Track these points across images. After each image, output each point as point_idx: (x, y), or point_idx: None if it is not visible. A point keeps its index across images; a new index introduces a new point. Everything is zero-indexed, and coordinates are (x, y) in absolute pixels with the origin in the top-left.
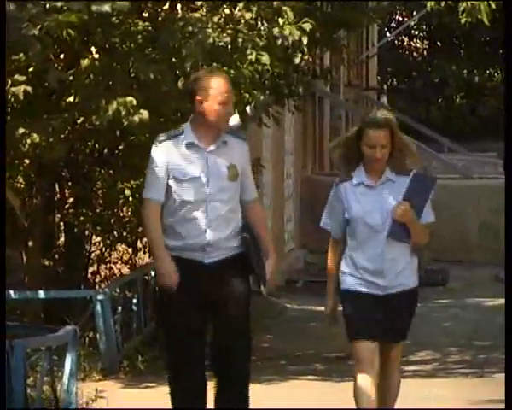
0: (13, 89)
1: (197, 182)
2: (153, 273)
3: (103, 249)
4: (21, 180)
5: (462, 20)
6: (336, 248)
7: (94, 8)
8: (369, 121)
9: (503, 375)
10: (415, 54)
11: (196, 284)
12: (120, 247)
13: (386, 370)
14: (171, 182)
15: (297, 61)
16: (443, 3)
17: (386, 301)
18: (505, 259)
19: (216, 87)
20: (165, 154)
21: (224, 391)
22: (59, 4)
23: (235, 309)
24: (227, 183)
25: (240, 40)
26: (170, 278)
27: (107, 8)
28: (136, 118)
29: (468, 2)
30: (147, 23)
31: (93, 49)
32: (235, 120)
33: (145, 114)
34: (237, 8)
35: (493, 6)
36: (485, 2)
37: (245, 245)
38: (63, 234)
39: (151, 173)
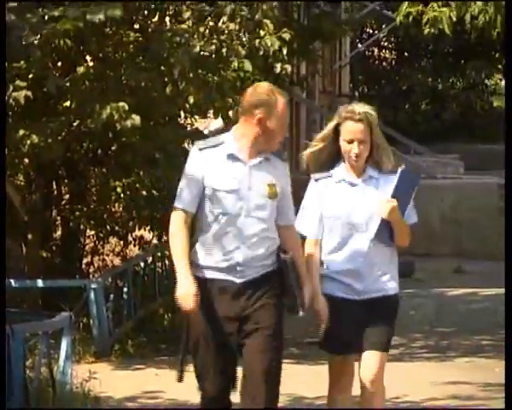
0: (14, 94)
1: (235, 195)
2: (142, 264)
3: (96, 242)
4: (21, 178)
5: (426, 31)
6: (316, 248)
7: (89, 16)
8: (346, 115)
9: (463, 359)
10: (384, 63)
11: (226, 306)
12: (112, 240)
13: (367, 382)
14: (207, 192)
15: (277, 70)
16: (410, 17)
17: (364, 306)
18: (505, 259)
19: (282, 109)
20: (202, 163)
21: None
22: (56, 14)
23: (268, 334)
24: (266, 200)
25: (224, 50)
26: (187, 301)
27: (101, 16)
28: (129, 123)
29: (432, 14)
30: (137, 34)
31: (88, 58)
32: (217, 123)
33: (137, 119)
34: (221, 20)
35: (454, 18)
36: (447, 14)
37: (283, 266)
38: (60, 228)
39: (185, 182)
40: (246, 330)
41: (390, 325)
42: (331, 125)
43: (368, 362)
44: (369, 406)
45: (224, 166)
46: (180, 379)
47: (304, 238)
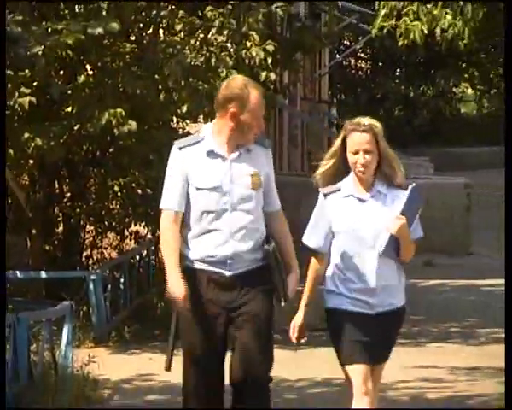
0: (19, 100)
1: (219, 191)
2: (137, 257)
3: (95, 237)
4: (26, 177)
5: (399, 43)
6: (322, 262)
7: (89, 30)
8: (351, 127)
9: (432, 344)
10: (360, 73)
11: (217, 298)
12: (110, 235)
13: (372, 387)
14: (191, 191)
15: (262, 78)
16: (384, 30)
17: (376, 320)
18: (505, 259)
19: (255, 102)
20: (184, 162)
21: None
22: (59, 27)
23: (257, 326)
24: (250, 192)
25: (213, 60)
26: (178, 303)
27: (100, 29)
28: (125, 127)
29: (404, 27)
30: (133, 45)
31: (88, 67)
32: (206, 128)
33: (133, 124)
34: (210, 32)
35: (425, 31)
36: (419, 27)
37: (266, 258)
38: (61, 223)
39: (169, 182)
40: (235, 319)
41: (396, 336)
42: (338, 140)
43: (372, 373)
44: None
45: (204, 164)
46: (168, 368)
47: (311, 252)
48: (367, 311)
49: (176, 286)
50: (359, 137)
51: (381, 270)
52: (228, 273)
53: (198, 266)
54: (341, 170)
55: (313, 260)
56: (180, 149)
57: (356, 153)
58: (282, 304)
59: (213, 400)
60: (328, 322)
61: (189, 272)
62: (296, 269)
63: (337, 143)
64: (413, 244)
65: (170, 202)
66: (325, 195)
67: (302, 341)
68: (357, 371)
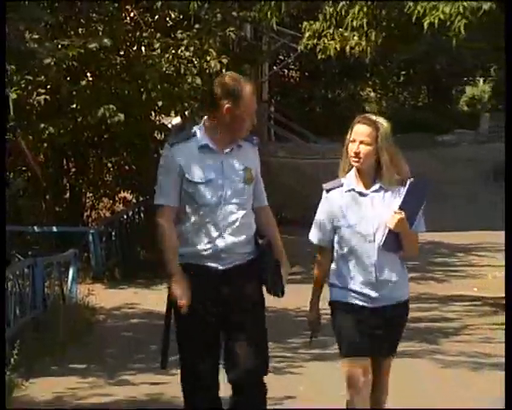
0: (37, 98)
1: (212, 185)
2: (125, 217)
3: (94, 201)
4: (42, 156)
5: (319, 57)
6: (326, 257)
7: (88, 45)
8: (358, 119)
9: None
10: (291, 80)
11: (210, 291)
12: (104, 200)
13: (376, 384)
14: (184, 186)
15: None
16: (309, 47)
17: (379, 313)
18: (505, 260)
19: (248, 97)
20: (177, 157)
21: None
22: (66, 43)
23: (251, 321)
24: (242, 185)
25: (182, 69)
26: (180, 300)
27: (96, 45)
28: (116, 119)
29: (323, 45)
30: (122, 58)
31: (88, 74)
32: (177, 120)
33: (122, 116)
34: (180, 49)
35: (338, 48)
36: (333, 46)
37: (261, 252)
38: (68, 191)
39: (163, 178)
40: (229, 314)
41: (401, 331)
42: (348, 135)
43: (379, 368)
44: (376, 405)
45: (197, 158)
46: (163, 366)
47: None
48: (368, 304)
49: (182, 288)
50: (359, 128)
51: (382, 264)
52: (220, 267)
53: (191, 260)
54: (349, 163)
55: (318, 255)
56: (172, 145)
57: (353, 142)
58: (279, 296)
59: (208, 393)
60: (332, 315)
61: (182, 266)
62: (286, 264)
63: (347, 138)
64: (416, 238)
65: (168, 198)
66: (327, 190)
67: (314, 338)
68: (356, 363)
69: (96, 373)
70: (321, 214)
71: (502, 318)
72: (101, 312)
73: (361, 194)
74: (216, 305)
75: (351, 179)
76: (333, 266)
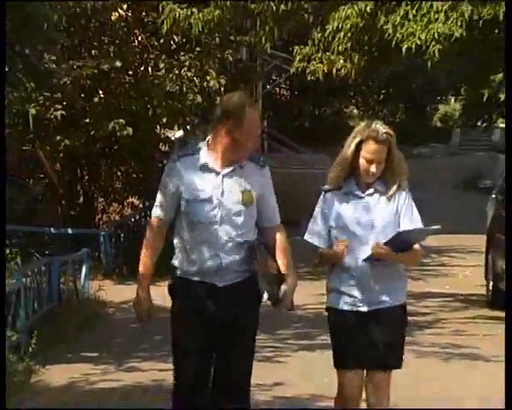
0: (54, 113)
1: (209, 204)
2: (133, 220)
3: (104, 206)
4: (58, 165)
5: (309, 78)
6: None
7: (101, 66)
8: (370, 134)
9: None
10: (283, 98)
11: (208, 308)
12: (114, 204)
13: (375, 396)
14: (183, 202)
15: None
16: (299, 69)
17: (370, 318)
18: (505, 260)
19: (251, 121)
20: (179, 172)
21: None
22: (80, 64)
23: (242, 342)
24: (240, 207)
25: (184, 88)
26: (141, 314)
27: (107, 66)
28: (125, 132)
29: (312, 68)
30: (131, 77)
31: (100, 92)
32: (180, 133)
33: (130, 130)
34: (183, 70)
35: (325, 70)
36: (321, 68)
37: (254, 268)
38: (82, 197)
39: (161, 191)
40: (223, 330)
41: (400, 337)
42: (355, 142)
43: (378, 381)
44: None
45: (197, 176)
46: None
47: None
48: (359, 308)
49: (144, 301)
50: (376, 148)
51: (375, 266)
52: (217, 284)
53: (189, 276)
54: (349, 171)
55: (314, 255)
56: (179, 157)
57: (370, 162)
58: (264, 298)
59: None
60: (328, 321)
61: (180, 282)
62: (293, 279)
63: (352, 147)
64: (408, 256)
65: (161, 212)
66: (325, 192)
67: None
68: (346, 377)
69: (107, 360)
70: (318, 215)
71: (472, 312)
72: (110, 305)
73: (357, 196)
74: (212, 320)
75: (350, 183)
76: (329, 268)
